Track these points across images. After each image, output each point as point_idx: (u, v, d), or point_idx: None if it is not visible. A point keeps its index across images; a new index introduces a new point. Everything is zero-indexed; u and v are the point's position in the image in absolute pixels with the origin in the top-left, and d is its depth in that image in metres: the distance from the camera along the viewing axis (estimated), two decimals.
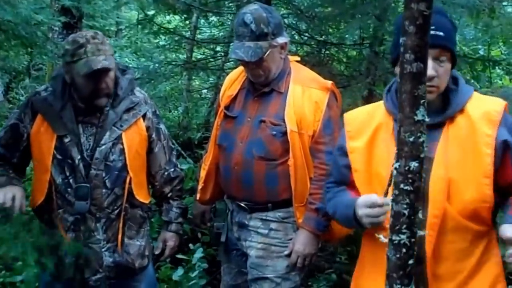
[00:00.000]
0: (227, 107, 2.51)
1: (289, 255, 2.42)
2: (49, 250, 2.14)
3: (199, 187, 2.63)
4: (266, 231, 2.45)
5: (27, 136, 2.34)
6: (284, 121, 2.35)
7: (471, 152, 1.71)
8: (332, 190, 2.03)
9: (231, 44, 5.71)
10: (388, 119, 1.85)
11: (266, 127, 2.39)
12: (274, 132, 2.37)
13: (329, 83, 2.43)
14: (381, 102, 1.91)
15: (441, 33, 1.68)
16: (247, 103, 2.47)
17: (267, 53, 2.32)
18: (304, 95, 2.38)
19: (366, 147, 1.86)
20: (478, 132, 1.71)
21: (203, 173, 2.60)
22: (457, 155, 1.72)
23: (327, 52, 4.71)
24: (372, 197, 1.74)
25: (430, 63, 1.59)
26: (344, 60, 4.89)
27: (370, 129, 1.87)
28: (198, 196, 2.66)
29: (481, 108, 1.75)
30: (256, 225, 2.46)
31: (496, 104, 1.77)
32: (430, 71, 1.59)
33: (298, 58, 2.59)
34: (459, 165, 1.72)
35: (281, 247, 2.43)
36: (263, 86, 2.43)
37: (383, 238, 0.92)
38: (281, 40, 2.37)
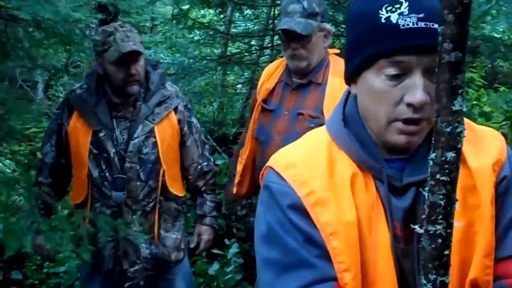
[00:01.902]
0: (264, 101, 2.49)
1: None
2: (88, 241, 2.18)
3: (236, 181, 2.62)
4: None
5: (65, 133, 2.40)
6: (322, 114, 2.31)
7: None
8: None
9: (266, 37, 5.72)
10: (357, 170, 1.11)
11: (304, 120, 2.35)
12: (312, 125, 2.34)
13: None
14: (323, 141, 1.17)
15: (436, 26, 0.93)
16: (285, 96, 2.45)
17: (315, 33, 2.30)
18: (343, 87, 2.32)
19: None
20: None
21: (239, 167, 2.59)
22: None
23: None
24: None
25: (419, 80, 1.01)
26: None
27: (331, 181, 1.10)
28: (234, 190, 2.67)
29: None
30: None
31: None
32: (419, 95, 1.00)
33: (337, 51, 2.54)
34: None
35: None
36: (300, 78, 2.40)
37: (418, 228, 0.91)
38: (327, 26, 2.36)
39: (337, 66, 2.37)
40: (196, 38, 6.16)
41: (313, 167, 1.11)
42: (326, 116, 2.30)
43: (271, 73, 2.55)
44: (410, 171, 1.09)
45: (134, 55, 2.27)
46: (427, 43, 0.99)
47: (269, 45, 5.59)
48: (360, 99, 1.12)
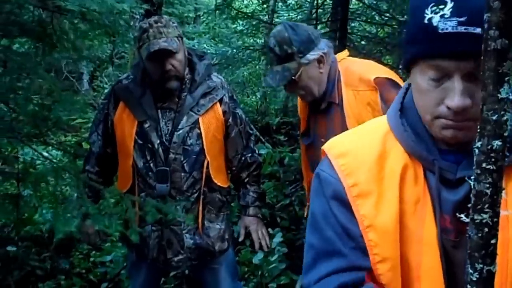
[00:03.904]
0: (303, 134, 2.46)
1: None
2: (136, 224, 2.19)
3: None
4: None
5: (111, 123, 2.42)
6: None
7: None
8: None
9: None
10: (409, 162, 1.10)
11: None
12: None
13: (371, 79, 2.18)
14: (381, 130, 1.17)
15: (478, 30, 0.94)
16: (316, 124, 2.38)
17: (299, 73, 2.19)
18: (357, 99, 2.22)
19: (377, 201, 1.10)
20: None
21: (307, 193, 2.56)
22: None
23: None
24: None
25: (458, 84, 0.98)
26: None
27: (379, 175, 1.11)
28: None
29: None
30: None
31: None
32: (457, 100, 0.98)
33: (347, 54, 2.40)
34: None
35: None
36: (319, 104, 2.31)
37: (464, 217, 0.89)
38: (312, 56, 2.19)
39: (348, 75, 2.25)
40: (239, 28, 6.16)
41: (363, 158, 1.13)
42: None
43: (301, 102, 2.48)
44: (467, 165, 1.06)
45: (164, 51, 2.26)
46: (465, 49, 0.96)
47: None
48: (412, 91, 1.12)
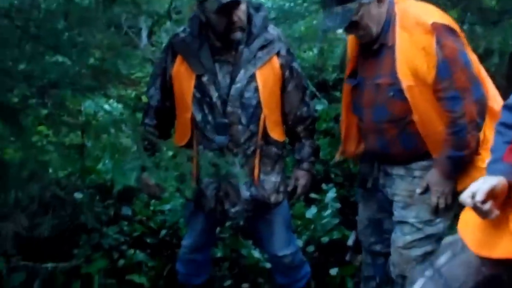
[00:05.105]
0: (350, 75, 2.43)
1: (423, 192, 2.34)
2: (192, 179, 2.26)
3: (340, 147, 2.63)
4: (410, 178, 2.37)
5: (169, 77, 2.46)
6: (398, 78, 2.20)
7: None
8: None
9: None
10: None
11: (383, 90, 2.26)
12: (392, 93, 2.24)
13: (429, 22, 2.14)
14: None
15: None
16: (364, 65, 2.35)
17: (360, 13, 2.15)
18: (411, 43, 2.17)
19: None
20: None
21: (341, 136, 2.59)
22: None
23: None
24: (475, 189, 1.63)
25: None
26: None
27: None
28: (338, 155, 2.67)
29: None
30: (400, 172, 2.40)
31: None
32: None
33: None
34: None
35: (425, 194, 2.36)
36: (371, 45, 2.27)
37: None
38: None
39: (403, 19, 2.20)
40: None
41: None
42: (402, 80, 2.19)
43: (352, 39, 2.44)
44: None
45: (234, 3, 2.26)
46: None
47: None
48: None
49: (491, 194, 1.64)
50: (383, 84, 2.25)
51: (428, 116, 2.22)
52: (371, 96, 2.32)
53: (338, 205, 3.67)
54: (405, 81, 2.18)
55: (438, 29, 2.14)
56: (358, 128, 2.50)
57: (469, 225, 1.79)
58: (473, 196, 1.66)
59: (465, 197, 1.67)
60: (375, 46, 2.26)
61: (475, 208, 1.66)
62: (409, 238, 2.39)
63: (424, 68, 2.14)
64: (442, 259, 1.88)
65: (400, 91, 2.21)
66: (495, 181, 1.66)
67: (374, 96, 2.30)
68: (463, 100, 2.15)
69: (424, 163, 2.34)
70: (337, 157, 2.70)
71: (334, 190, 3.80)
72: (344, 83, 2.50)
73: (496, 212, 1.66)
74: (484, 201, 1.64)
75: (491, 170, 1.74)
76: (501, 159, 1.75)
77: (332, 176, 4.19)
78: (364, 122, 2.40)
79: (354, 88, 2.41)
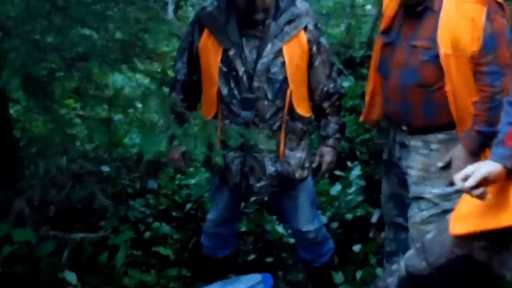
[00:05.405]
0: (385, 31, 2.40)
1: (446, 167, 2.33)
2: (220, 147, 2.28)
3: (364, 109, 2.63)
4: (426, 151, 2.37)
5: (196, 50, 2.46)
6: (436, 43, 2.17)
7: None
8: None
9: None
10: None
11: (417, 52, 2.24)
12: (427, 58, 2.21)
13: None
14: None
15: None
16: (402, 26, 2.32)
17: None
18: (459, 11, 2.14)
19: None
20: None
21: (366, 98, 2.59)
22: None
23: None
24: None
25: None
26: None
27: None
28: (362, 118, 2.67)
29: None
30: (417, 145, 2.39)
31: None
32: None
33: None
34: None
35: (442, 168, 2.34)
36: (416, 5, 2.25)
37: None
38: None
39: None
40: None
41: None
42: (440, 47, 2.15)
43: None
44: None
45: None
46: None
47: None
48: None
49: (485, 180, 1.71)
50: (419, 46, 2.24)
51: (459, 88, 2.20)
52: (403, 56, 2.30)
53: (362, 182, 3.67)
54: (444, 48, 2.16)
55: (490, 2, 2.12)
56: (381, 95, 2.49)
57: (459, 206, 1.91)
58: (465, 179, 1.72)
59: (457, 179, 1.75)
60: (419, 8, 2.24)
61: (465, 191, 1.75)
62: (426, 213, 2.39)
63: (468, 39, 2.12)
64: (429, 235, 2.03)
65: (436, 57, 2.19)
66: (489, 168, 1.72)
67: (407, 58, 2.28)
68: (504, 76, 2.14)
69: (442, 136, 2.33)
70: (361, 119, 2.70)
71: (359, 167, 3.79)
72: (377, 38, 2.48)
73: (489, 197, 1.74)
74: (475, 187, 1.71)
75: (492, 154, 1.80)
76: (502, 142, 1.79)
77: (358, 153, 4.18)
78: (389, 83, 2.37)
79: (386, 46, 2.38)
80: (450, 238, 1.90)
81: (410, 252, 2.12)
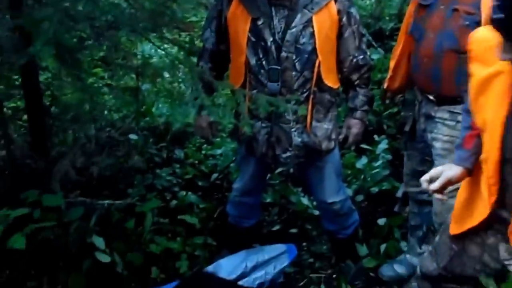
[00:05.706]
0: None
1: None
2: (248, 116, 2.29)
3: (388, 76, 2.58)
4: (453, 123, 2.34)
5: (225, 19, 2.44)
6: (480, 10, 2.13)
7: None
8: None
9: None
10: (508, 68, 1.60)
11: (459, 16, 2.19)
12: (467, 22, 2.16)
13: None
14: None
15: None
16: None
17: None
18: None
19: (481, 84, 1.71)
20: None
21: (392, 63, 2.55)
22: None
23: None
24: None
25: None
26: None
27: (489, 68, 1.67)
28: (386, 84, 2.62)
29: None
30: (443, 116, 2.36)
31: None
32: None
33: None
34: None
35: None
36: None
37: None
38: None
39: None
40: None
41: None
42: (483, 12, 2.09)
43: None
44: None
45: None
46: None
47: None
48: None
49: (449, 182, 1.84)
50: (461, 11, 2.19)
51: None
52: (441, 19, 2.26)
53: (389, 156, 3.64)
54: (486, 14, 2.10)
55: None
56: (408, 61, 2.45)
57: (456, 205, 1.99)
58: (430, 181, 1.84)
59: (423, 180, 1.86)
60: None
61: (430, 193, 1.90)
62: (450, 187, 2.36)
63: None
64: (437, 237, 2.11)
65: (478, 23, 2.13)
66: (452, 172, 1.84)
67: (445, 21, 2.24)
68: None
69: None
70: (385, 86, 2.68)
71: (386, 141, 3.76)
72: (412, 0, 2.42)
73: (463, 195, 1.92)
74: (440, 189, 1.84)
75: (455, 156, 1.91)
76: (461, 145, 1.90)
77: (385, 127, 4.13)
78: (422, 46, 2.33)
79: (422, 8, 2.34)
80: (449, 238, 1.99)
81: (425, 254, 2.20)
